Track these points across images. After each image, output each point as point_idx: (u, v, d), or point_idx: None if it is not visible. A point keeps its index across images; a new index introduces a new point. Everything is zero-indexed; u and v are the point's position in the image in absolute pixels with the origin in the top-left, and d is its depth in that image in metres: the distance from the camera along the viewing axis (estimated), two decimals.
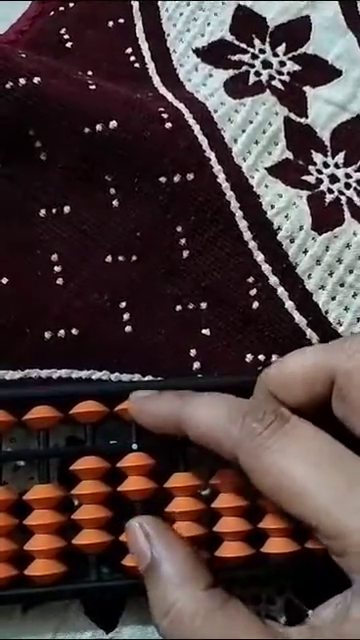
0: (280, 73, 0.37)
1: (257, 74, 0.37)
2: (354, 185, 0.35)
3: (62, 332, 0.31)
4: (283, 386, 0.25)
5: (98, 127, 0.32)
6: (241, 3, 0.39)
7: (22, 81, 0.32)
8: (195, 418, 0.26)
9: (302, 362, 0.25)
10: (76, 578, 0.27)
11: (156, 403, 0.28)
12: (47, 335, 0.31)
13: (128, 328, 0.31)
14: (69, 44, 0.38)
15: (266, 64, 0.37)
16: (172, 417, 0.27)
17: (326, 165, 0.35)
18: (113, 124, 0.32)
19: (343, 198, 0.34)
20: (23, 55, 0.34)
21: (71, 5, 0.39)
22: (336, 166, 0.35)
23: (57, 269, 0.32)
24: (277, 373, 0.26)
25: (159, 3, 0.39)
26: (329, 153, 0.36)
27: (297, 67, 0.38)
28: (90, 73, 0.36)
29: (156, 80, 0.36)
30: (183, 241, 0.32)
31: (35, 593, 0.27)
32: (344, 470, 0.23)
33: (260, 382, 0.26)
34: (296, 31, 0.39)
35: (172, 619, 0.23)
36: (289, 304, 0.32)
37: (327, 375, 0.24)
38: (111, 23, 0.38)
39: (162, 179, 0.32)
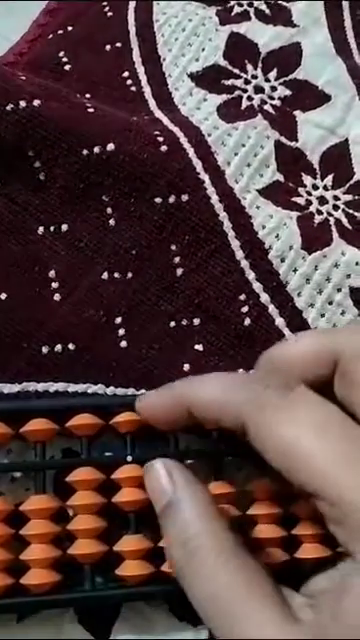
0: (271, 98, 0.38)
1: (249, 99, 0.38)
2: (342, 207, 0.36)
3: (59, 347, 0.32)
4: (287, 364, 0.25)
5: (96, 149, 0.33)
6: (234, 29, 0.40)
7: (22, 103, 0.33)
8: (200, 391, 0.26)
9: (308, 343, 0.26)
10: (71, 587, 0.28)
11: (161, 393, 0.28)
12: (44, 350, 0.31)
13: (123, 343, 0.32)
14: (67, 67, 0.38)
15: (258, 89, 0.38)
16: (178, 399, 0.27)
17: (315, 187, 0.36)
18: (110, 147, 0.33)
19: (331, 219, 0.35)
20: (23, 78, 0.35)
21: (70, 29, 0.40)
22: (325, 188, 0.36)
23: (54, 285, 0.33)
24: (282, 352, 0.26)
25: (155, 28, 0.40)
26: (318, 176, 0.37)
27: (288, 92, 0.39)
28: (88, 95, 0.37)
29: (152, 103, 0.37)
30: (177, 259, 0.33)
31: (30, 602, 0.27)
32: (350, 437, 0.23)
33: (263, 359, 0.27)
34: (287, 57, 0.40)
35: (191, 550, 0.22)
36: (279, 321, 0.33)
37: (331, 357, 0.25)
38: (108, 47, 0.39)
39: (157, 199, 0.33)
